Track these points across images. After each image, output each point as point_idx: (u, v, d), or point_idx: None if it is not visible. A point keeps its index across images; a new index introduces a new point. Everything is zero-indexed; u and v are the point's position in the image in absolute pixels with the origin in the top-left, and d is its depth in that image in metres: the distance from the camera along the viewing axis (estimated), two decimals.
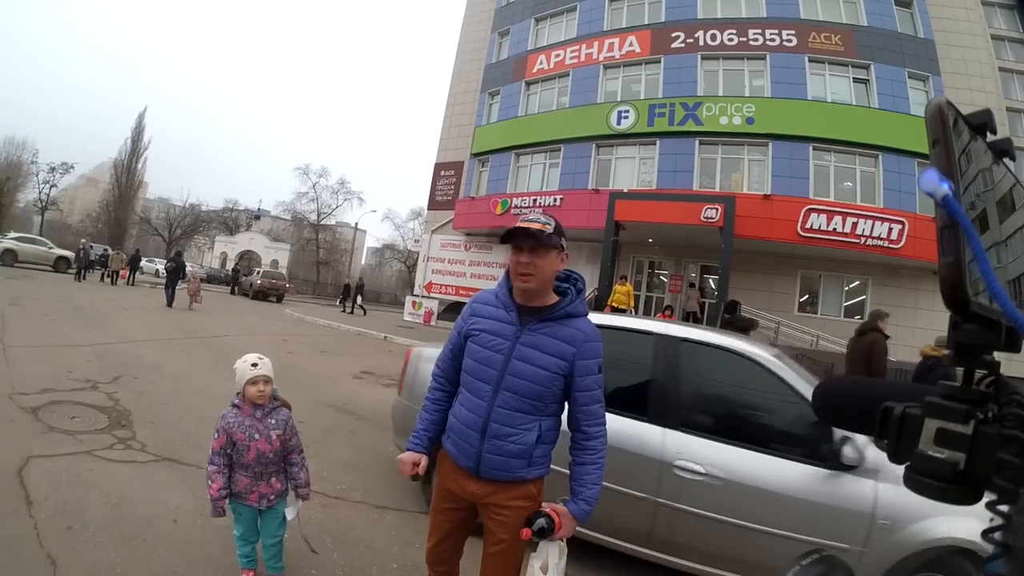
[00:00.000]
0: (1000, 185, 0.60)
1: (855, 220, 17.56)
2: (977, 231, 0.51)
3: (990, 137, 0.58)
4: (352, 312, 26.90)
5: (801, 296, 20.14)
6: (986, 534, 0.53)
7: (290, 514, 2.80)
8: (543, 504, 2.03)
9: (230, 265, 46.52)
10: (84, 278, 24.58)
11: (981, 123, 0.56)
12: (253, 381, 2.67)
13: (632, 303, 17.15)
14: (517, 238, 2.00)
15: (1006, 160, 0.60)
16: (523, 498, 2.05)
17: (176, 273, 18.56)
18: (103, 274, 27.25)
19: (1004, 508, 0.51)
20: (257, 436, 2.65)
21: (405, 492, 4.47)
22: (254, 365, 2.68)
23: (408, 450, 2.20)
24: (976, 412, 0.52)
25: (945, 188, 0.49)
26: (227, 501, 2.65)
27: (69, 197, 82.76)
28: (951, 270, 0.50)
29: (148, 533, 3.22)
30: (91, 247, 27.00)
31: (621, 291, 16.69)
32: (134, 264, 26.99)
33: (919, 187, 0.51)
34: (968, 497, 0.52)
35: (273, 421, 2.71)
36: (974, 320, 0.52)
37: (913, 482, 0.53)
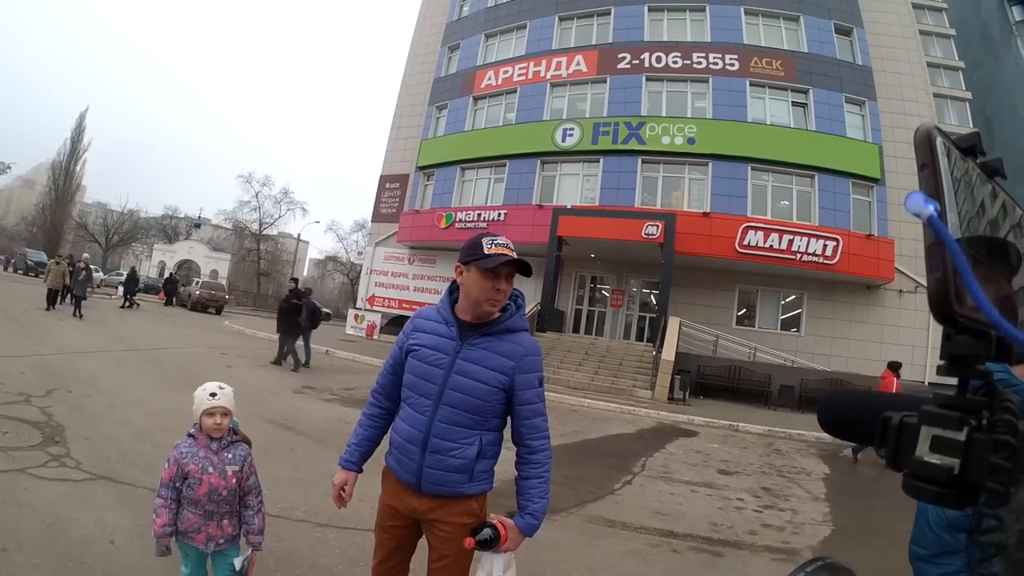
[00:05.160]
0: (994, 203, 0.64)
1: (791, 237, 18.30)
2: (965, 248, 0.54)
3: (980, 158, 0.61)
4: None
5: (739, 310, 20.81)
6: (982, 535, 0.55)
7: (238, 564, 2.54)
8: (490, 516, 2.04)
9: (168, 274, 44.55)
10: (80, 314, 15.86)
11: (970, 145, 0.59)
12: (210, 412, 2.46)
13: None
14: (515, 268, 2.01)
15: (998, 179, 0.63)
16: (465, 514, 2.05)
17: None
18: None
19: (997, 510, 0.54)
20: (211, 469, 2.45)
21: (348, 509, 4.35)
22: (212, 395, 2.47)
23: (340, 466, 2.23)
24: (969, 419, 0.54)
25: (930, 209, 0.52)
26: (172, 539, 2.45)
27: (5, 199, 79.49)
28: (938, 285, 0.52)
29: (85, 555, 3.08)
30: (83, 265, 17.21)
31: None
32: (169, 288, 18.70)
33: (905, 209, 0.54)
34: (963, 501, 0.54)
35: (230, 455, 2.51)
36: (965, 332, 0.54)
37: (911, 487, 0.55)
